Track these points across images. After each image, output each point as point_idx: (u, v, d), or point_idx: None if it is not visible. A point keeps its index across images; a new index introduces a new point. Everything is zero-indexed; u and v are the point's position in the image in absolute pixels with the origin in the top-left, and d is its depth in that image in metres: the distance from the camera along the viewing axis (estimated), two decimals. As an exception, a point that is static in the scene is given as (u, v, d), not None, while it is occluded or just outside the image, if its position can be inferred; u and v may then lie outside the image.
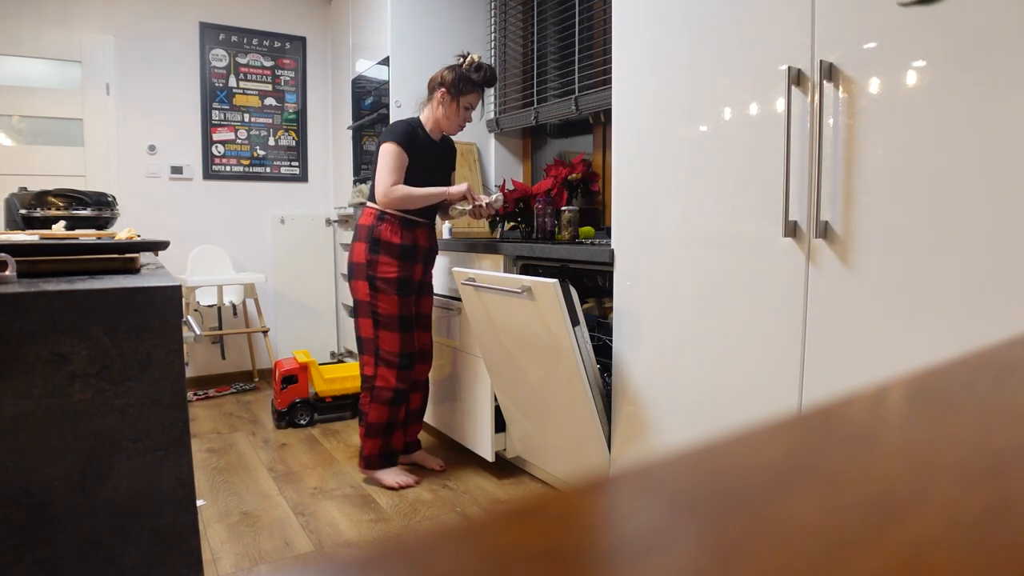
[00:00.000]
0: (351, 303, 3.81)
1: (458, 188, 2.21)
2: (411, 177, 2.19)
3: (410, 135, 2.18)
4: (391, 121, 3.06)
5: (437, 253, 2.41)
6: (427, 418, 2.85)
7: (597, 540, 0.16)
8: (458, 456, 2.57)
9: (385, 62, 3.10)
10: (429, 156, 2.25)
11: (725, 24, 1.46)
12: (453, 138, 2.38)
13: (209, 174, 3.66)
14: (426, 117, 2.26)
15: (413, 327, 2.27)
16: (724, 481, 0.19)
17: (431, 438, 2.78)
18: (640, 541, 0.15)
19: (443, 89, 2.20)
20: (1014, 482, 0.18)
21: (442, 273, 2.62)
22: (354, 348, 3.67)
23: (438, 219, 2.45)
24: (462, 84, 2.20)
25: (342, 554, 0.15)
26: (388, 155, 2.15)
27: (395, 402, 2.25)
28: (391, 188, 2.14)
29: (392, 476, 2.28)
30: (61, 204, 1.96)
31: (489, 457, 2.34)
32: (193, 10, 3.57)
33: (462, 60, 2.23)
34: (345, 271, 3.76)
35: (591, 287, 2.37)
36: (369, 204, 2.23)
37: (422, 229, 2.26)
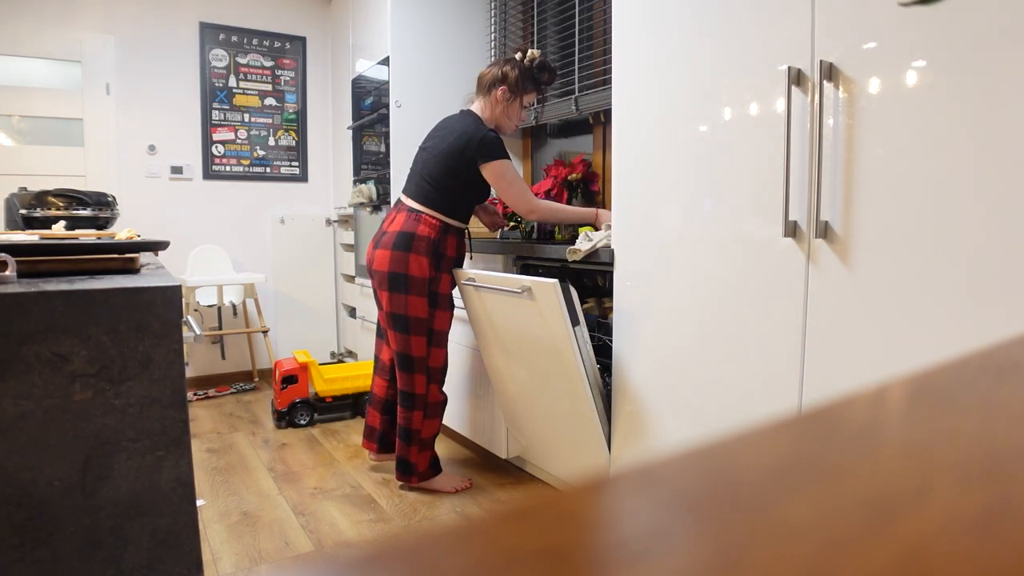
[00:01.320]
0: (349, 303, 3.80)
1: (607, 214, 2.05)
2: (475, 186, 2.09)
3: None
4: (392, 122, 3.06)
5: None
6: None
7: (597, 540, 0.16)
8: (458, 456, 2.58)
9: (385, 62, 3.10)
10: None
11: (725, 24, 1.46)
12: None
13: (209, 174, 3.66)
14: (486, 118, 2.14)
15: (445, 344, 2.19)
16: (724, 481, 0.19)
17: (439, 435, 2.78)
18: (640, 541, 0.15)
19: (504, 87, 2.10)
20: (1014, 482, 0.18)
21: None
22: (354, 348, 3.68)
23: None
24: (526, 83, 2.11)
25: (342, 554, 0.15)
26: (510, 170, 2.07)
27: (443, 412, 2.20)
28: (538, 203, 2.09)
29: (449, 481, 2.22)
30: (61, 204, 1.96)
31: (501, 454, 2.34)
32: (193, 10, 3.57)
33: (522, 57, 2.13)
34: (350, 272, 3.76)
35: (591, 287, 2.37)
36: (432, 214, 2.08)
37: (459, 238, 2.17)
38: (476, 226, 3.12)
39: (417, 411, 2.13)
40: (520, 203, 2.08)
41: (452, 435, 2.79)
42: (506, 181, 2.06)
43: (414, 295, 2.06)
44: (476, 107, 2.17)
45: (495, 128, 2.14)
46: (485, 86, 2.14)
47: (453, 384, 2.60)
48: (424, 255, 2.06)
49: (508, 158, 2.08)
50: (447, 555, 0.15)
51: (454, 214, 2.11)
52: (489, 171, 2.05)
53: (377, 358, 2.37)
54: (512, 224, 2.87)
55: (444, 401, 2.20)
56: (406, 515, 2.08)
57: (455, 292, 2.25)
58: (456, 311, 2.50)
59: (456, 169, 2.05)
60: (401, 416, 2.15)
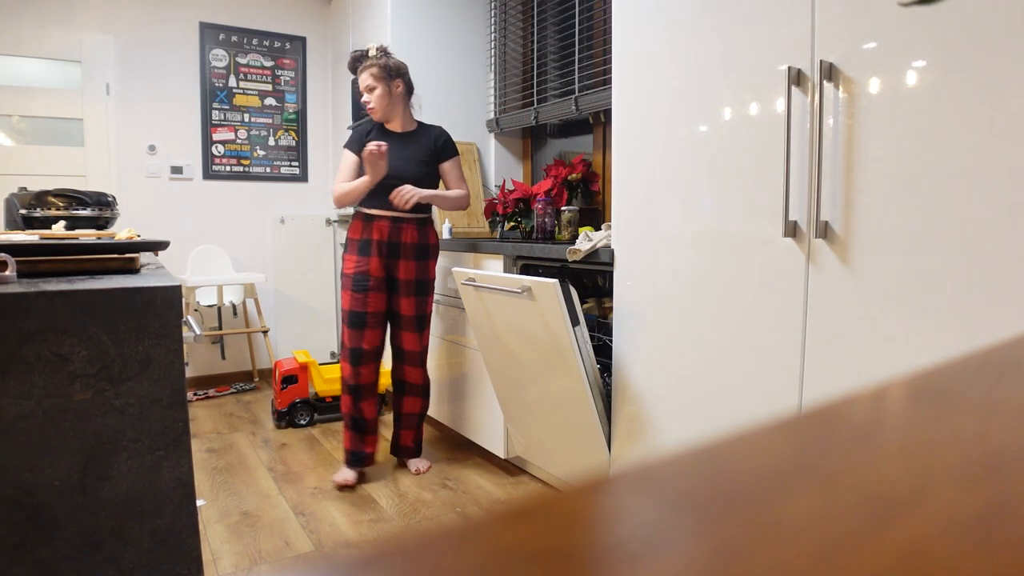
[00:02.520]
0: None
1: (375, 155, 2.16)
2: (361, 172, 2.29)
3: (357, 135, 2.35)
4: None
5: (417, 250, 2.30)
6: (435, 415, 2.86)
7: (597, 540, 0.16)
8: (459, 456, 2.58)
9: (385, 62, 3.10)
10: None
11: (725, 24, 1.46)
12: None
13: (209, 174, 3.66)
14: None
15: (367, 326, 2.27)
16: (724, 481, 0.19)
17: (439, 435, 2.78)
18: (640, 541, 0.15)
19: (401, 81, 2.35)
20: (1014, 482, 0.18)
21: (444, 273, 2.62)
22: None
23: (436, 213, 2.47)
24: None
25: (342, 554, 0.15)
26: (341, 158, 2.36)
27: (348, 393, 2.30)
28: (334, 188, 2.33)
29: (340, 475, 2.32)
30: (61, 204, 1.96)
31: (501, 454, 2.34)
32: (193, 10, 3.57)
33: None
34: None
35: (591, 287, 2.37)
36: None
37: (380, 222, 2.27)
38: (477, 224, 3.12)
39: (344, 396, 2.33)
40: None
41: (452, 435, 2.79)
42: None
43: (341, 288, 2.34)
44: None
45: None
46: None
47: (453, 384, 2.60)
48: (344, 247, 2.36)
49: (345, 146, 2.36)
50: (447, 555, 0.15)
51: (360, 200, 2.32)
52: None
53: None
54: (512, 224, 2.88)
55: (349, 387, 2.30)
56: (406, 515, 2.08)
57: (461, 291, 2.25)
58: (456, 311, 2.51)
59: None
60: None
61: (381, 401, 3.10)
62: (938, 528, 0.16)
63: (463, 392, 2.55)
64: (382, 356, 2.35)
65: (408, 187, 2.20)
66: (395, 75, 2.31)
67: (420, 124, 2.41)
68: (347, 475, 2.30)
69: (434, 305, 2.69)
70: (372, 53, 2.33)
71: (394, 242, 2.28)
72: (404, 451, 2.46)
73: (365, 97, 2.30)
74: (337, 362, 3.79)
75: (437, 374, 2.72)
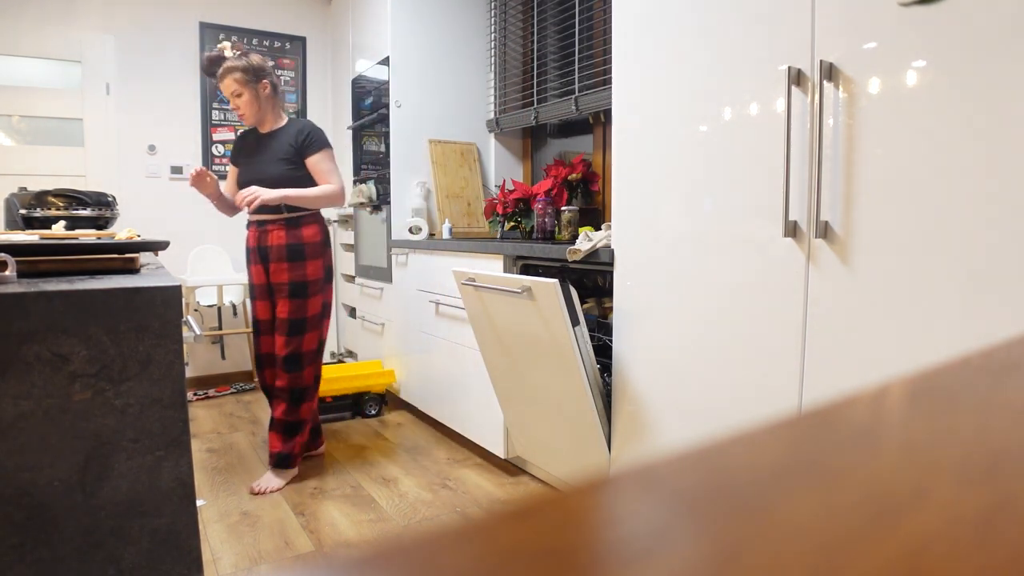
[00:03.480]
0: (349, 303, 3.82)
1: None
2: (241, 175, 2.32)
3: (237, 140, 2.40)
4: (392, 122, 3.06)
5: (287, 252, 2.23)
6: (435, 415, 2.85)
7: (597, 540, 0.16)
8: (459, 456, 2.58)
9: (385, 62, 3.10)
10: (247, 151, 2.36)
11: (725, 24, 1.46)
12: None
13: (209, 174, 3.66)
14: None
15: (260, 332, 2.34)
16: (724, 481, 0.19)
17: (439, 435, 2.79)
18: (640, 541, 0.15)
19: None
20: (1014, 482, 0.18)
21: (445, 273, 2.62)
22: (354, 348, 3.68)
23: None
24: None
25: (342, 554, 0.15)
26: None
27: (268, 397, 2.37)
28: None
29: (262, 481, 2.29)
30: (61, 204, 1.96)
31: (501, 454, 2.34)
32: (193, 10, 3.57)
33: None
34: (350, 272, 3.77)
35: (591, 287, 2.37)
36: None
37: (251, 230, 2.31)
38: (478, 224, 3.12)
39: None
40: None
41: (452, 435, 2.79)
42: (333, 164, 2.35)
43: None
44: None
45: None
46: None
47: (453, 384, 2.60)
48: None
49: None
50: (447, 555, 0.15)
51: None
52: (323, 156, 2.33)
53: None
54: (512, 224, 2.88)
55: (264, 387, 2.39)
56: (406, 515, 2.08)
57: (461, 291, 2.25)
58: (456, 311, 2.51)
59: None
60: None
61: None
62: (939, 527, 0.16)
63: (463, 392, 2.54)
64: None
65: (252, 189, 2.13)
66: (261, 76, 2.24)
67: (288, 121, 2.33)
68: (270, 482, 2.24)
69: (438, 306, 2.69)
70: (229, 54, 2.23)
71: (263, 246, 2.26)
72: (269, 457, 2.30)
73: (233, 103, 2.25)
74: (338, 362, 3.80)
75: (437, 374, 2.73)
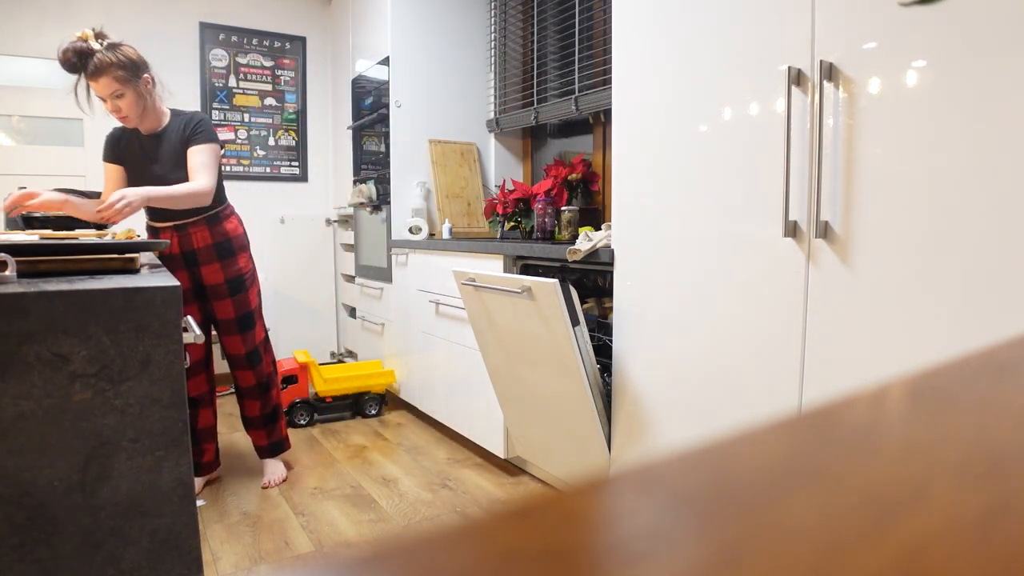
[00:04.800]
0: (349, 303, 3.82)
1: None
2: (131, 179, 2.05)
3: (108, 142, 2.08)
4: (392, 121, 3.06)
5: (216, 251, 2.14)
6: (435, 415, 2.85)
7: (597, 540, 0.16)
8: (459, 456, 2.58)
9: (385, 62, 3.10)
10: (128, 155, 2.09)
11: (725, 24, 1.46)
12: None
13: (209, 174, 3.66)
14: None
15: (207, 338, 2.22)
16: (724, 481, 0.19)
17: (439, 435, 2.79)
18: (640, 541, 0.15)
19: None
20: (1014, 482, 0.18)
21: (445, 273, 2.62)
22: (354, 348, 3.68)
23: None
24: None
25: (342, 554, 0.15)
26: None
27: (192, 406, 2.17)
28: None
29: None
30: (61, 204, 1.96)
31: (501, 454, 2.34)
32: (193, 10, 3.57)
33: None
34: (350, 272, 3.77)
35: (591, 287, 2.37)
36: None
37: (165, 234, 2.10)
38: (478, 225, 3.12)
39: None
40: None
41: (452, 435, 2.79)
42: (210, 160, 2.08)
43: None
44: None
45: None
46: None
47: (453, 384, 2.60)
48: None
49: (104, 159, 2.09)
50: (447, 555, 0.15)
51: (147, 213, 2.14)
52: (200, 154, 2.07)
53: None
54: (512, 224, 2.88)
55: (192, 397, 2.18)
56: (406, 515, 2.08)
57: (461, 291, 2.24)
58: (456, 311, 2.51)
59: None
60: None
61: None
62: (938, 528, 0.16)
63: (463, 392, 2.54)
64: (211, 364, 2.27)
65: (115, 196, 1.72)
66: (142, 70, 1.95)
67: (173, 115, 2.09)
68: (276, 470, 2.31)
69: (438, 306, 2.69)
70: (96, 45, 1.86)
71: (188, 250, 2.11)
72: (260, 451, 2.36)
73: (111, 105, 1.93)
74: (338, 362, 3.80)
75: (437, 374, 2.73)
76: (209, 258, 2.13)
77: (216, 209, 2.14)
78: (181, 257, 2.12)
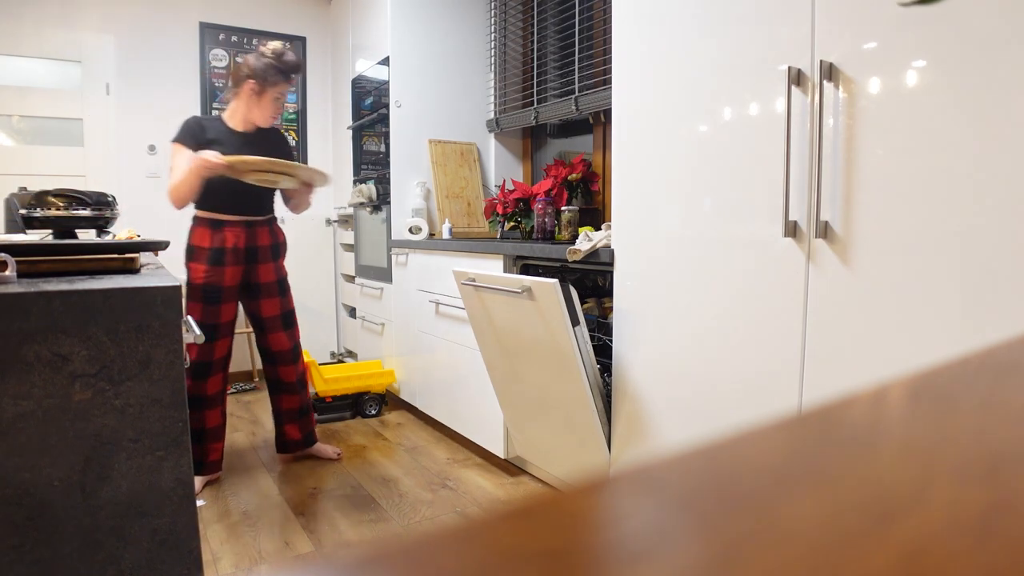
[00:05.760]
0: (349, 303, 3.82)
1: (206, 155, 2.03)
2: (216, 178, 2.11)
3: (191, 131, 2.15)
4: (392, 121, 3.07)
5: (272, 251, 2.30)
6: (435, 415, 2.85)
7: (597, 540, 0.16)
8: (459, 456, 2.58)
9: (385, 62, 3.10)
10: (228, 150, 2.15)
11: (725, 24, 1.46)
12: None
13: (209, 174, 3.66)
14: (232, 110, 2.23)
15: (220, 336, 2.22)
16: (724, 481, 0.19)
17: (439, 435, 2.78)
18: (640, 541, 0.15)
19: (252, 81, 2.16)
20: (1014, 482, 0.18)
21: (445, 273, 2.62)
22: (354, 348, 3.68)
23: (288, 211, 2.38)
24: (272, 74, 2.17)
25: (342, 554, 0.15)
26: (175, 152, 2.14)
27: (200, 406, 2.22)
28: (171, 185, 2.11)
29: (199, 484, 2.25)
30: (61, 204, 1.96)
31: (501, 454, 2.34)
32: (193, 10, 3.57)
33: (267, 48, 2.20)
34: (350, 272, 3.76)
35: (591, 287, 2.37)
36: (194, 214, 2.24)
37: (234, 229, 2.20)
38: (478, 225, 3.12)
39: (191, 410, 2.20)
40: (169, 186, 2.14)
41: (452, 435, 2.79)
42: (173, 162, 2.15)
43: (187, 299, 2.18)
44: (229, 106, 2.25)
45: (248, 122, 2.23)
46: (235, 83, 2.22)
47: (453, 384, 2.60)
48: (186, 255, 2.22)
49: (176, 141, 2.15)
50: (447, 555, 0.15)
51: (200, 204, 2.20)
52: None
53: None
54: (512, 224, 2.88)
55: (197, 396, 2.20)
56: (406, 515, 2.08)
57: (461, 291, 2.24)
58: (456, 311, 2.50)
59: None
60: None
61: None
62: (938, 528, 0.16)
63: (463, 392, 2.55)
64: (229, 364, 2.32)
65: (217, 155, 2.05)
66: None
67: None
68: (326, 449, 2.43)
69: (438, 306, 2.70)
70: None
71: (251, 246, 2.23)
72: (293, 445, 2.47)
73: (280, 106, 2.25)
74: (338, 362, 3.79)
75: (437, 374, 2.73)
76: (266, 257, 2.28)
77: (273, 214, 2.35)
78: (244, 252, 2.24)
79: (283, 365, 2.39)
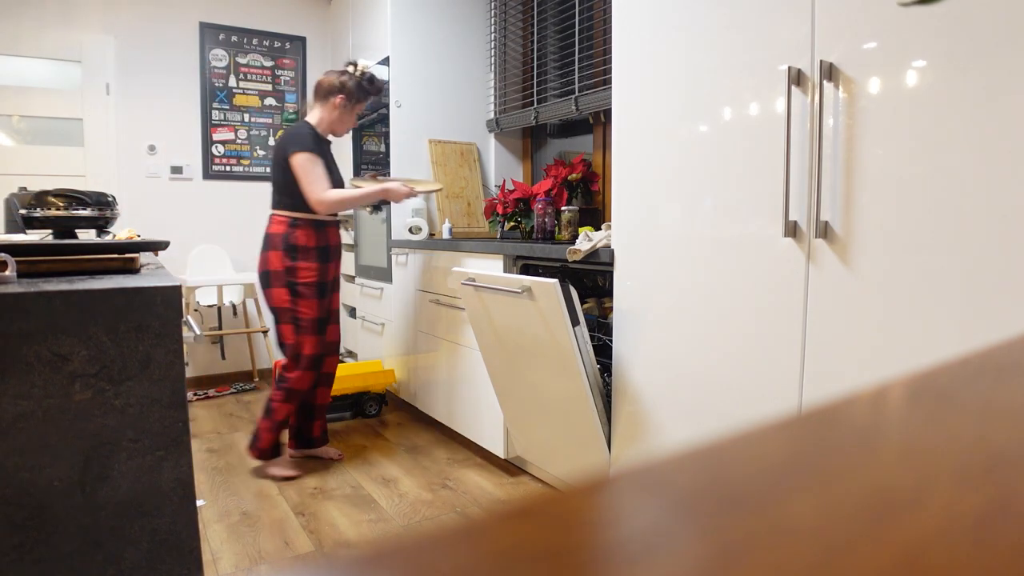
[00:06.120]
0: (349, 303, 3.82)
1: (396, 187, 2.39)
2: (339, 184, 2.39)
3: (317, 141, 2.32)
4: (392, 122, 3.06)
5: (342, 249, 2.52)
6: (435, 415, 2.85)
7: (597, 540, 0.16)
8: (459, 456, 2.58)
9: (385, 62, 3.10)
10: (330, 157, 2.40)
11: (725, 24, 1.46)
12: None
13: (209, 174, 3.66)
14: (319, 120, 2.38)
15: (326, 328, 2.42)
16: (724, 481, 0.19)
17: (439, 435, 2.78)
18: (640, 541, 0.15)
19: (342, 95, 2.36)
20: (1014, 482, 0.18)
21: (445, 273, 2.62)
22: (354, 348, 3.68)
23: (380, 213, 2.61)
24: (360, 93, 2.39)
25: (342, 554, 0.15)
26: (308, 163, 2.27)
27: (300, 401, 2.43)
28: (325, 194, 2.26)
29: (282, 469, 2.39)
30: (61, 204, 1.96)
31: (501, 454, 2.34)
32: (193, 10, 3.56)
33: (355, 69, 2.40)
34: (350, 272, 3.76)
35: (591, 287, 2.37)
36: (279, 213, 2.35)
37: (332, 228, 2.40)
38: (478, 225, 3.12)
39: (279, 391, 2.37)
40: (310, 194, 2.26)
41: (452, 435, 2.79)
42: (303, 171, 2.27)
43: (276, 287, 2.33)
44: (313, 114, 2.40)
45: (330, 132, 2.41)
46: (323, 94, 2.38)
47: (453, 384, 2.60)
48: (278, 249, 2.31)
49: (312, 152, 2.28)
50: (447, 555, 0.15)
51: (300, 208, 2.32)
52: (293, 162, 2.27)
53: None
54: (512, 224, 2.87)
55: (307, 390, 2.41)
56: (406, 515, 2.08)
57: (461, 291, 2.25)
58: (456, 311, 2.50)
59: (285, 167, 2.29)
60: (271, 392, 2.41)
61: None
62: (938, 528, 0.16)
63: (463, 392, 2.55)
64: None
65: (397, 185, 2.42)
66: None
67: None
68: (293, 470, 2.41)
69: (438, 306, 2.70)
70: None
71: (335, 245, 2.43)
72: (312, 441, 2.54)
73: (354, 119, 2.45)
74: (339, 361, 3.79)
75: (437, 374, 2.73)
76: (339, 254, 2.47)
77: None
78: (337, 248, 2.43)
79: (329, 356, 2.49)
